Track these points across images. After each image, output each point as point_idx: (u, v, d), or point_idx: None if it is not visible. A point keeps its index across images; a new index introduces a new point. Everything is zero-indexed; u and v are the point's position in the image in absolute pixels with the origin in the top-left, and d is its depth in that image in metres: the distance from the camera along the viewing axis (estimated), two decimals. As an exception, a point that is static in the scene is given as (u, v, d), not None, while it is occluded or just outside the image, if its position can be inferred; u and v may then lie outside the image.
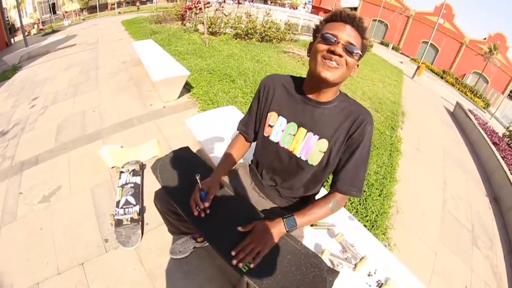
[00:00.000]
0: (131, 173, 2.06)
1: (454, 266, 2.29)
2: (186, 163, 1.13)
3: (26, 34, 10.77)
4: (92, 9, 30.22)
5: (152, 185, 2.11)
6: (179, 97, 3.52)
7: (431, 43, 26.30)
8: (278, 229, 0.87)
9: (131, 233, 1.67)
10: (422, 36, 27.63)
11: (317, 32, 0.88)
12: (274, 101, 1.00)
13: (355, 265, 1.17)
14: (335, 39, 0.82)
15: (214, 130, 1.96)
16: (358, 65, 0.89)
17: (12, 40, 13.38)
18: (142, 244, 1.70)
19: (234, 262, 0.79)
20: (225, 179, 1.14)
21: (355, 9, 35.74)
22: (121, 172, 2.08)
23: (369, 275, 1.21)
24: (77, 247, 1.72)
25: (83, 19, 23.66)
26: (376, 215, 2.25)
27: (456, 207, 3.11)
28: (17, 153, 2.72)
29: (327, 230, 1.33)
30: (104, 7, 30.37)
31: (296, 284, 0.78)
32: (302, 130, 0.94)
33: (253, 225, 0.88)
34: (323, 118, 0.92)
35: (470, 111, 7.58)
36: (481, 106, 18.92)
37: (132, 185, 1.96)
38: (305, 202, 1.06)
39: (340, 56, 0.81)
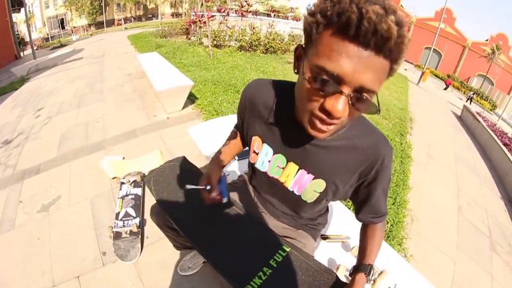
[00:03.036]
0: (132, 184, 1.99)
1: (474, 275, 2.20)
2: (182, 174, 1.05)
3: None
4: (99, 25, 31.18)
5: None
6: (183, 108, 3.51)
7: (434, 49, 26.42)
8: (363, 283, 0.74)
9: (130, 246, 1.58)
10: (425, 42, 27.65)
11: (309, 42, 0.51)
12: (257, 123, 0.78)
13: (374, 280, 1.06)
14: (338, 87, 0.47)
15: (218, 140, 1.87)
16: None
17: (21, 53, 13.82)
18: (141, 258, 1.60)
19: None
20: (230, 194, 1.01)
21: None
22: (122, 183, 2.01)
23: (388, 291, 1.10)
24: (73, 259, 1.65)
25: (91, 34, 24.37)
26: (391, 225, 2.17)
27: (472, 213, 3.02)
28: (19, 162, 2.71)
29: (341, 243, 1.22)
30: (111, 22, 31.34)
31: None
32: (293, 166, 0.74)
33: None
34: (321, 154, 0.70)
35: (478, 113, 7.45)
36: (488, 109, 18.58)
37: (133, 196, 1.88)
38: (312, 220, 0.96)
39: (340, 118, 0.51)
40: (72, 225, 1.89)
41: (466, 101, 16.14)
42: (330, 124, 0.53)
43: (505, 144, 5.25)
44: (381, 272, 1.10)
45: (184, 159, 1.11)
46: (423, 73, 12.56)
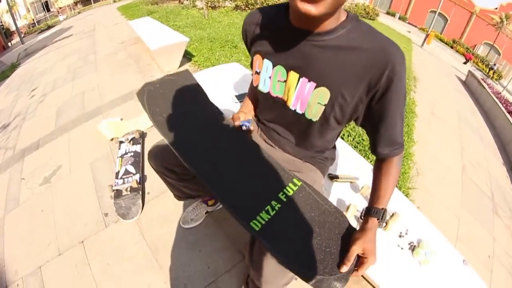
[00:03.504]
0: (131, 142, 1.94)
1: (477, 234, 2.18)
2: (182, 90, 0.88)
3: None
4: (86, 1, 29.58)
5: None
6: (180, 66, 3.39)
7: (439, 13, 25.18)
8: (375, 229, 0.68)
9: (131, 204, 1.55)
10: (430, 5, 26.32)
11: None
12: (257, 41, 0.76)
13: (386, 222, 1.02)
14: None
15: (218, 88, 1.81)
16: None
17: (9, 43, 13.60)
18: (143, 215, 1.59)
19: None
20: None
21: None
22: (121, 142, 1.97)
23: (400, 236, 1.07)
24: (77, 225, 1.64)
25: (78, 12, 23.23)
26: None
27: (475, 174, 2.95)
28: (18, 142, 2.69)
29: (350, 184, 1.17)
30: (98, -3, 29.78)
31: (324, 244, 0.64)
32: (293, 75, 0.69)
33: (355, 249, 0.63)
34: (321, 57, 0.64)
35: (483, 79, 7.27)
36: (494, 78, 17.92)
37: (132, 154, 1.84)
38: (319, 153, 0.89)
39: None
40: (74, 191, 1.88)
41: (488, 72, 14.96)
42: None
43: (509, 112, 5.16)
44: (393, 214, 1.06)
45: (187, 72, 0.96)
46: (427, 35, 12.06)
